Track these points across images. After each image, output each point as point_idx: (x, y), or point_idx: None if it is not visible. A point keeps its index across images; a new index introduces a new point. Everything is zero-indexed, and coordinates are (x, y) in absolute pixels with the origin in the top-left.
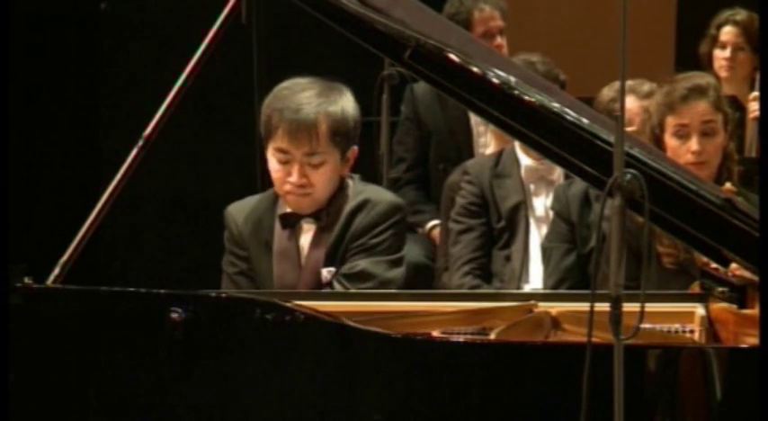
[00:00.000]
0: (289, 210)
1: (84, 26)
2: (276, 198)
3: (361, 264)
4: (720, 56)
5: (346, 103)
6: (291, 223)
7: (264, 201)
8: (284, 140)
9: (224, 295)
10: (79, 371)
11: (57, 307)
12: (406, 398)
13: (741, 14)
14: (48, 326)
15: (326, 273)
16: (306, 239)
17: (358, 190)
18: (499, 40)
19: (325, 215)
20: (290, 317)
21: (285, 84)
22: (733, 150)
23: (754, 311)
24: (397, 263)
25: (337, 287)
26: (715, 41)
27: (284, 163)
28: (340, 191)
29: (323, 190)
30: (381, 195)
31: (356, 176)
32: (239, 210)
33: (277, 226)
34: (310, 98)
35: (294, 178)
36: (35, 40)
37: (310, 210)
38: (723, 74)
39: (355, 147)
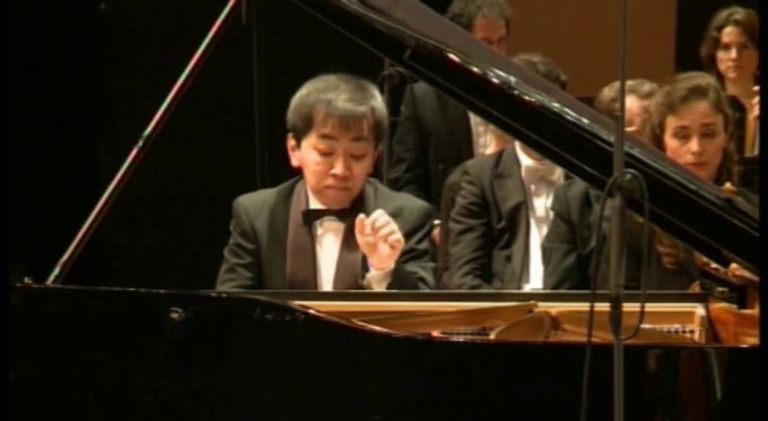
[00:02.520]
0: (313, 206)
1: (84, 26)
2: (290, 193)
3: (420, 271)
4: (726, 57)
5: (381, 101)
6: (313, 220)
7: (278, 196)
8: (334, 128)
9: (224, 295)
10: (79, 371)
11: (57, 307)
12: (407, 398)
13: (740, 13)
14: (48, 326)
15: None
16: (329, 238)
17: (385, 194)
18: (495, 48)
19: (351, 214)
20: (290, 317)
21: (317, 81)
22: (733, 151)
23: (754, 311)
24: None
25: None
26: (717, 44)
27: (327, 154)
28: (362, 190)
29: (359, 184)
30: (413, 202)
31: (375, 180)
32: (251, 203)
33: (292, 221)
34: (355, 91)
35: (339, 169)
36: (35, 40)
37: (345, 204)
38: (731, 75)
39: (381, 147)
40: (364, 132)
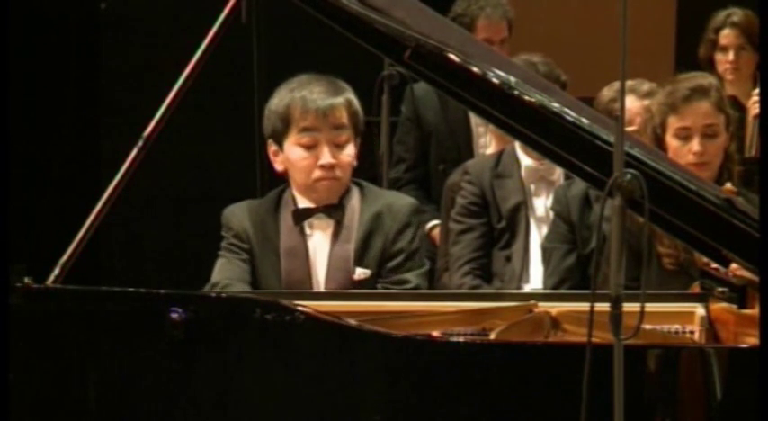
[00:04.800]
0: (302, 205)
1: (84, 26)
2: (279, 200)
3: (413, 280)
4: (724, 59)
5: (354, 95)
6: (303, 219)
7: (266, 204)
8: (314, 120)
9: (224, 295)
10: (79, 371)
11: (57, 307)
12: (406, 398)
13: (738, 15)
14: (48, 326)
15: (361, 273)
16: (319, 236)
17: (373, 192)
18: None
19: (339, 210)
20: (290, 317)
21: (290, 81)
22: (734, 151)
23: (754, 311)
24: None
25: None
26: (715, 45)
27: (311, 147)
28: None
29: (347, 174)
30: (401, 199)
31: (361, 180)
32: (241, 210)
33: (283, 224)
34: (327, 86)
35: (326, 158)
36: (35, 40)
37: (337, 196)
38: (729, 77)
39: (359, 140)
40: (344, 120)
